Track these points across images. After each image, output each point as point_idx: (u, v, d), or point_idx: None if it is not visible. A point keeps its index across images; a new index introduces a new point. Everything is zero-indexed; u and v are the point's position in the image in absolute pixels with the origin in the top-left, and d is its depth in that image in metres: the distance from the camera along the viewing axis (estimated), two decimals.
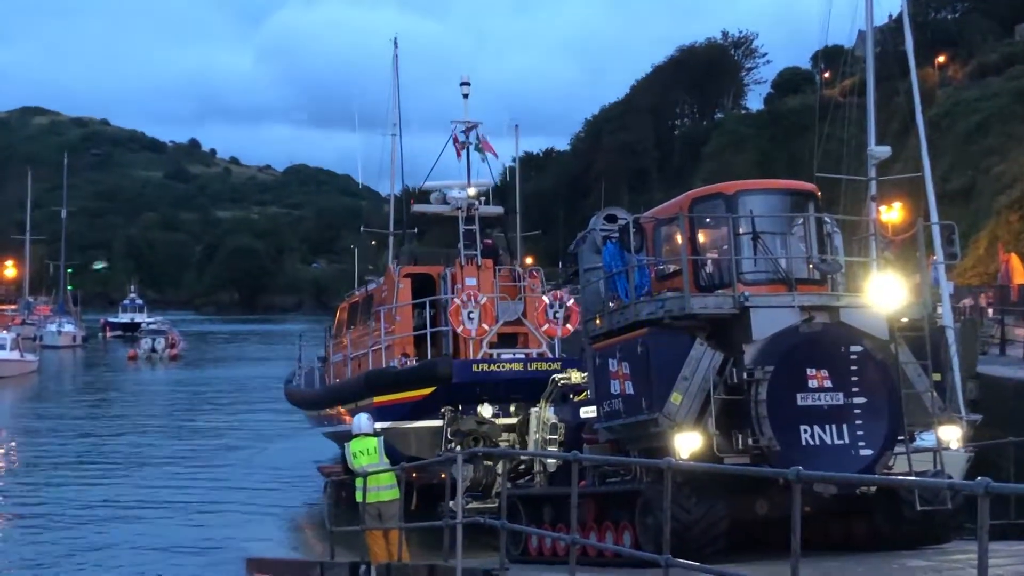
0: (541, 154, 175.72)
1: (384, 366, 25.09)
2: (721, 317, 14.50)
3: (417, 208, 29.70)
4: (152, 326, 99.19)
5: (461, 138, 28.28)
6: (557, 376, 21.56)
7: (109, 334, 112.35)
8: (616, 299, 16.04)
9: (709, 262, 15.69)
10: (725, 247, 15.34)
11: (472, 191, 27.42)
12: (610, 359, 15.43)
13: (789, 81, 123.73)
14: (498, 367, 23.65)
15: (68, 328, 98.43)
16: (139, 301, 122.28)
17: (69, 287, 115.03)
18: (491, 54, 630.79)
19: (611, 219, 17.27)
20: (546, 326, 25.25)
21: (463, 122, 28.37)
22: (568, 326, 25.36)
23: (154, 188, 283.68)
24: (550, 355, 25.10)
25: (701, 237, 15.85)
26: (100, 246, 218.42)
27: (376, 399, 24.24)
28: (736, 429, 14.03)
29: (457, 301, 24.60)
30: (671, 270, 15.91)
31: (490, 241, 27.89)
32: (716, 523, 13.69)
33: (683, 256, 15.01)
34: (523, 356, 24.88)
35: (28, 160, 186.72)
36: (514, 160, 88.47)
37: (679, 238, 15.48)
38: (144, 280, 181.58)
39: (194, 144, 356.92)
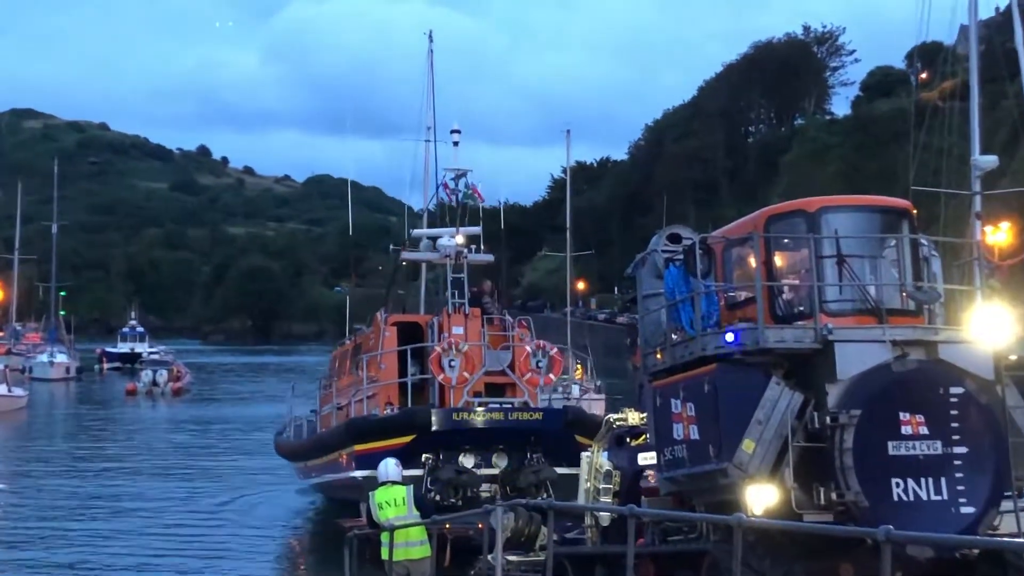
0: (595, 164, 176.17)
1: (366, 414, 27.61)
2: (801, 352, 14.43)
3: (406, 256, 33.00)
4: (154, 356, 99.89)
5: (451, 185, 31.51)
6: (612, 416, 21.59)
7: (106, 365, 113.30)
8: (680, 330, 16.00)
9: (787, 289, 15.63)
10: (806, 272, 15.28)
11: (461, 239, 30.17)
12: (672, 399, 15.38)
13: (880, 83, 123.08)
14: (478, 416, 26.18)
15: (61, 358, 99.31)
16: (140, 329, 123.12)
17: (61, 312, 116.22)
18: (530, 52, 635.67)
19: (674, 239, 17.26)
20: (529, 375, 27.74)
21: (453, 169, 31.58)
22: (551, 375, 28.15)
23: (158, 201, 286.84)
24: (532, 405, 27.53)
25: (778, 260, 15.80)
26: (97, 266, 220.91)
27: (357, 447, 26.78)
28: (817, 482, 13.94)
29: (438, 348, 27.09)
30: (743, 297, 15.85)
31: (476, 289, 30.59)
32: None
33: (757, 282, 14.96)
34: (506, 405, 27.25)
35: (18, 169, 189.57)
36: (564, 171, 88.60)
37: (753, 261, 15.44)
38: (146, 305, 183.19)
39: (203, 151, 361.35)
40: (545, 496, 24.38)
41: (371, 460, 24.57)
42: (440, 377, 26.99)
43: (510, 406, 27.39)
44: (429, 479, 25.90)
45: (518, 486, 25.91)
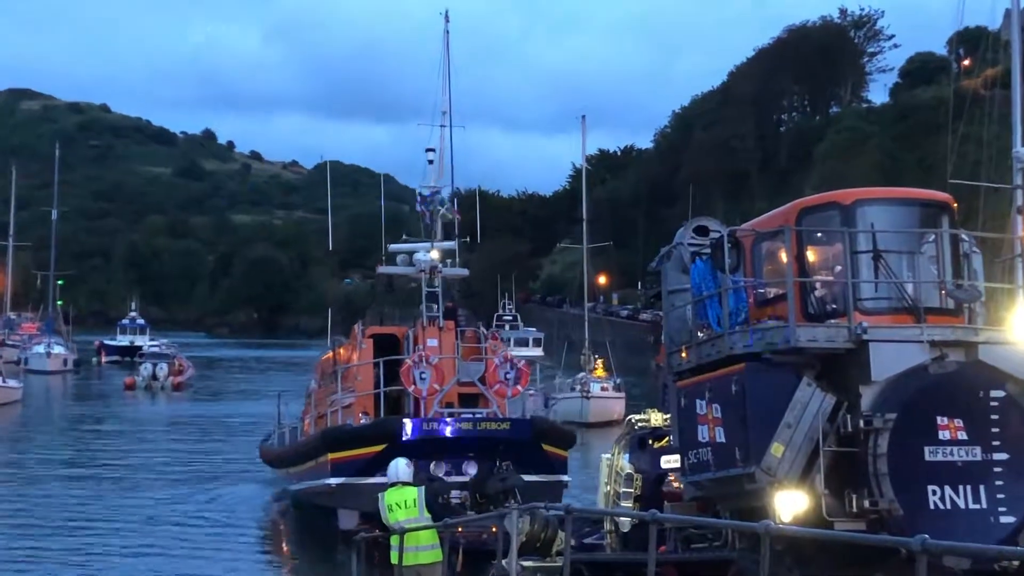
0: (619, 152, 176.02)
1: (340, 424, 30.45)
2: (834, 352, 14.39)
3: (382, 270, 36.39)
4: (154, 349, 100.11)
5: (427, 203, 34.88)
6: (634, 417, 21.61)
7: (104, 358, 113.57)
8: (706, 328, 15.98)
9: (820, 285, 15.59)
10: (840, 268, 15.23)
11: (435, 254, 33.35)
12: (698, 400, 15.36)
13: (920, 69, 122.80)
14: (448, 426, 28.84)
15: (58, 350, 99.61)
16: (140, 321, 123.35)
17: (59, 302, 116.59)
18: (547, 33, 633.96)
19: (702, 231, 17.23)
20: (497, 386, 30.41)
21: (429, 187, 35.26)
22: (518, 387, 30.73)
23: (161, 187, 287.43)
24: (499, 415, 30.11)
25: (811, 255, 15.75)
26: (97, 254, 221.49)
27: (331, 455, 29.51)
28: (849, 488, 13.91)
29: (408, 361, 29.82)
30: (773, 294, 15.82)
31: (452, 304, 33.80)
32: None
33: (788, 278, 14.93)
34: (477, 415, 30.06)
35: (14, 151, 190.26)
36: (583, 162, 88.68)
37: (784, 256, 15.40)
38: (147, 295, 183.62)
39: (208, 136, 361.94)
40: (512, 502, 25.83)
41: (346, 468, 28.91)
42: (411, 389, 29.65)
43: (480, 416, 29.95)
44: None
45: (486, 493, 27.48)
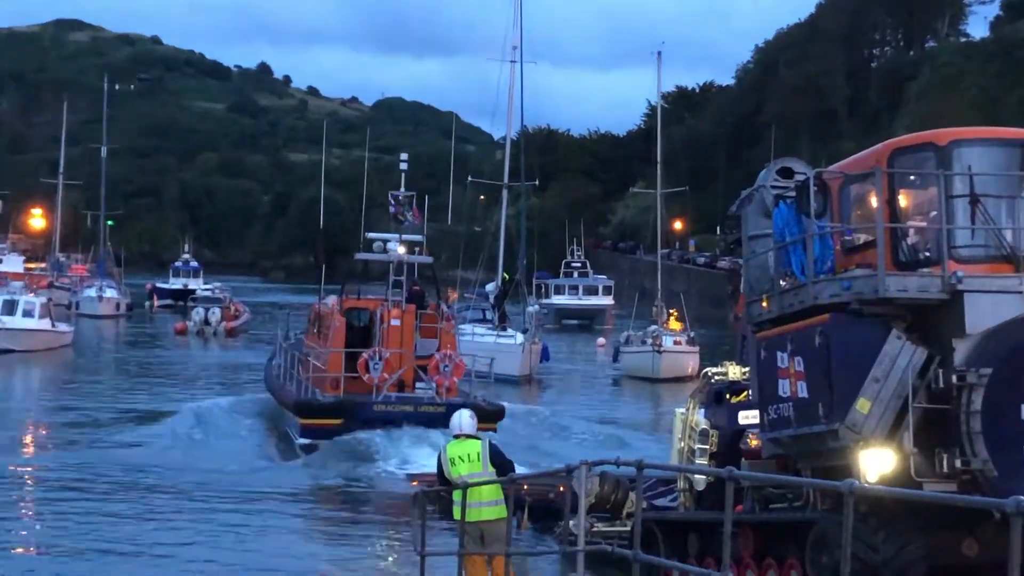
0: (698, 89, 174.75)
1: (311, 395, 38.06)
2: (926, 303, 14.29)
3: (359, 256, 46.28)
4: (206, 293, 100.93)
5: (400, 206, 43.24)
6: (710, 370, 21.62)
7: (157, 302, 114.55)
8: (790, 276, 15.91)
9: (912, 231, 15.45)
10: (934, 213, 15.09)
11: (402, 249, 40.86)
12: (779, 352, 15.31)
13: None
14: (393, 408, 36.44)
15: (110, 294, 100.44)
16: (194, 263, 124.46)
17: (109, 243, 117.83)
18: None
19: (786, 173, 17.11)
20: (437, 376, 37.49)
21: (402, 193, 43.15)
22: (454, 378, 37.97)
23: (215, 123, 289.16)
24: (437, 400, 37.12)
25: (902, 199, 15.61)
26: (148, 193, 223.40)
27: (302, 420, 37.10)
28: (940, 447, 13.84)
29: (364, 355, 37.39)
30: (862, 240, 15.70)
31: (417, 288, 41.65)
32: (910, 566, 13.54)
33: (879, 223, 14.80)
34: (417, 398, 37.84)
35: (63, 85, 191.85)
36: (660, 99, 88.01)
37: (874, 200, 15.27)
38: (200, 237, 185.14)
39: (264, 70, 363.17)
40: None
41: (313, 432, 36.32)
42: (365, 377, 36.86)
43: (421, 400, 37.30)
44: None
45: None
